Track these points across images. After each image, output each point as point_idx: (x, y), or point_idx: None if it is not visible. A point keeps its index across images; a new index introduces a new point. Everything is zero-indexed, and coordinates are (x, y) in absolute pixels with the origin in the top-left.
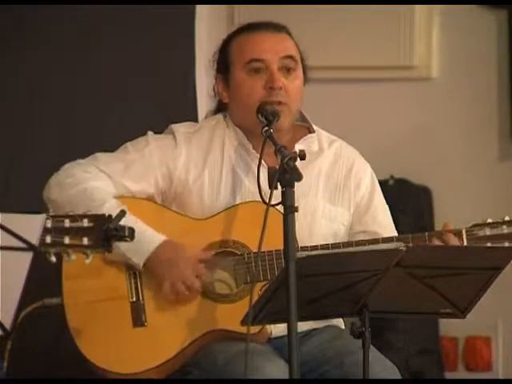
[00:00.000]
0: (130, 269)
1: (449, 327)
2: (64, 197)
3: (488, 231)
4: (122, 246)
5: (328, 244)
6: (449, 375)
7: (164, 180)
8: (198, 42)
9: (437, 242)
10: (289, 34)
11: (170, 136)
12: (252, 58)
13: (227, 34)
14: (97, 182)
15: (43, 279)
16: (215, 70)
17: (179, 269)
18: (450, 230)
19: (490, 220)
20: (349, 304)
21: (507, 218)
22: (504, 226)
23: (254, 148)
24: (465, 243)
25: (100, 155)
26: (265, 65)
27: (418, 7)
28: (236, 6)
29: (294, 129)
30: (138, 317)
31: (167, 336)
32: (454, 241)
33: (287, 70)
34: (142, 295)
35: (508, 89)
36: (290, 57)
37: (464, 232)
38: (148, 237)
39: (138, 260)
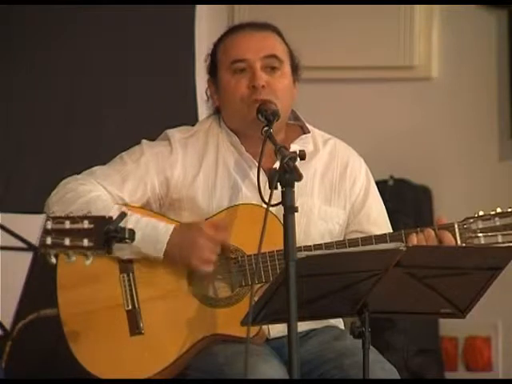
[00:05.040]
0: (123, 274)
1: (449, 327)
2: (68, 212)
3: (480, 224)
4: (135, 244)
5: (321, 244)
6: (449, 375)
7: (161, 187)
8: (197, 42)
9: (417, 239)
10: (276, 32)
11: (166, 142)
12: (235, 59)
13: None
14: (97, 193)
15: (41, 288)
16: (207, 74)
17: (197, 243)
18: (443, 224)
19: (481, 212)
20: (349, 304)
21: (499, 210)
22: (496, 218)
23: (247, 150)
24: (457, 237)
25: (96, 169)
26: (247, 64)
27: (417, 7)
28: (236, 6)
29: (288, 128)
30: (134, 325)
31: (165, 343)
32: (448, 238)
33: (271, 69)
34: (138, 302)
35: (508, 89)
36: (274, 56)
37: (456, 226)
38: (160, 228)
39: (157, 252)
